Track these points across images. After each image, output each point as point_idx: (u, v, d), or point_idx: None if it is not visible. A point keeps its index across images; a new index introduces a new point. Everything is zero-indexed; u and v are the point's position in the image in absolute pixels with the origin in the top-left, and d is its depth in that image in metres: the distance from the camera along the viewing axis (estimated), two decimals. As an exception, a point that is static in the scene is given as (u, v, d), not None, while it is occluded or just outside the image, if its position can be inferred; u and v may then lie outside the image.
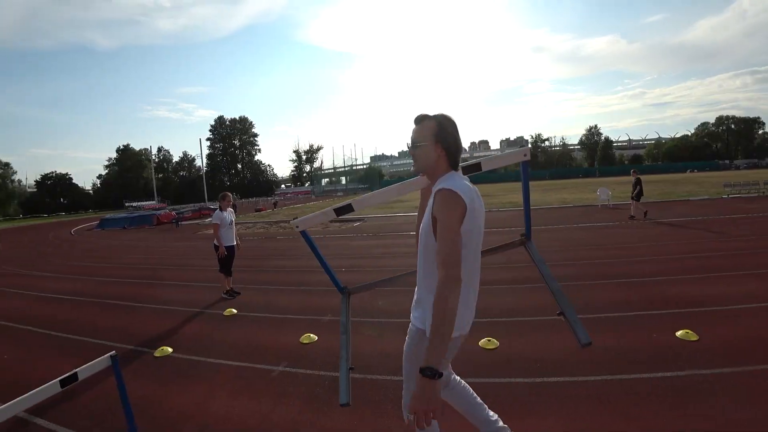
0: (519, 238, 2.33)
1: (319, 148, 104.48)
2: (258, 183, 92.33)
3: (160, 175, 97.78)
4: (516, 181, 38.65)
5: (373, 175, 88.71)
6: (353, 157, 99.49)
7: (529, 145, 55.20)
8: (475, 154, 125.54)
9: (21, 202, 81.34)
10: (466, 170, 1.87)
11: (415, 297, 1.75)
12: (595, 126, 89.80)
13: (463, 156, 1.66)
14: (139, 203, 56.17)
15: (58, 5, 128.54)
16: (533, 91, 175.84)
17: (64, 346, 4.66)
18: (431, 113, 1.66)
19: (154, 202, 59.07)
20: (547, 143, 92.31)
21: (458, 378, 1.99)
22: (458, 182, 1.54)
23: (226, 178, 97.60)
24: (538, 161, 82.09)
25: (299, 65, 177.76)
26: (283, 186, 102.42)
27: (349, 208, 2.08)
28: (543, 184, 44.26)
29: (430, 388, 1.30)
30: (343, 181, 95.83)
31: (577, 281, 5.63)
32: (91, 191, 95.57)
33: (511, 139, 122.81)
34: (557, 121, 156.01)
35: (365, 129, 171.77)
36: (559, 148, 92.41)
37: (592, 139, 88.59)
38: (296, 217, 2.22)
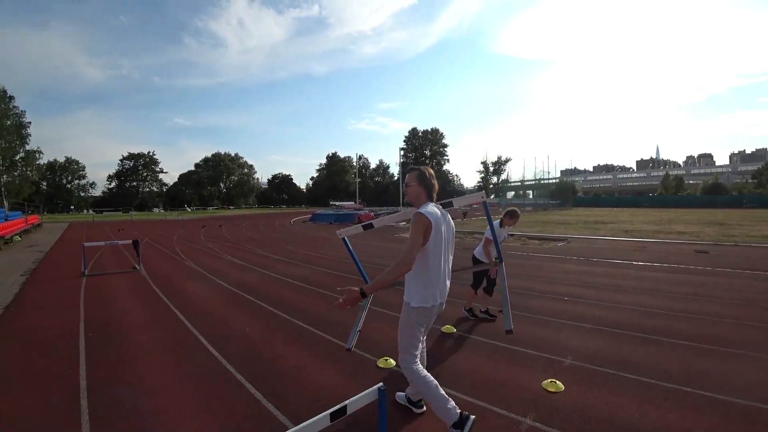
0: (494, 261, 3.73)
1: (507, 160, 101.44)
2: (445, 192, 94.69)
3: (359, 180, 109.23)
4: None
5: (565, 190, 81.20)
6: (545, 170, 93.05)
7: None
8: (693, 171, 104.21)
9: (257, 194, 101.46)
10: (444, 204, 2.94)
11: (405, 284, 2.72)
12: None
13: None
14: (341, 203, 63.88)
15: (291, 45, 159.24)
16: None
17: (293, 334, 4.91)
18: (417, 167, 2.75)
19: (353, 202, 66.40)
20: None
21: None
22: (428, 208, 2.58)
23: (402, 186, 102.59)
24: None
25: (489, 75, 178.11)
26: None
27: (370, 226, 3.47)
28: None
29: (355, 297, 2.39)
30: (531, 195, 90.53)
31: None
32: (304, 189, 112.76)
33: (747, 152, 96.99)
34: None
35: (558, 140, 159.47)
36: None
37: None
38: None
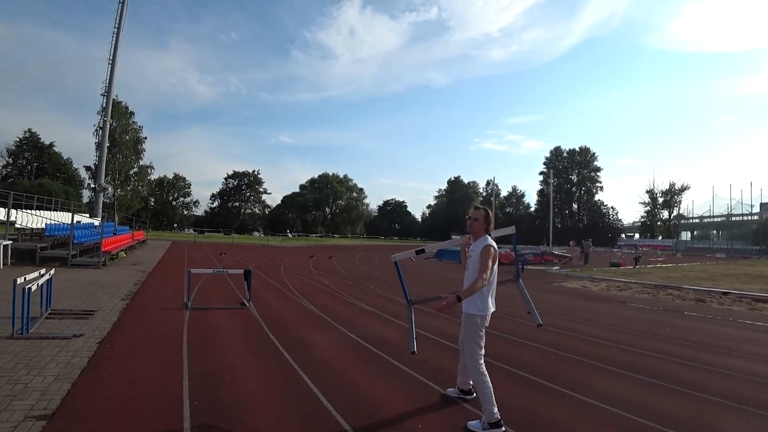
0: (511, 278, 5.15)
1: (683, 188, 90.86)
2: (596, 228, 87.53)
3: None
4: None
5: None
6: (743, 201, 79.97)
7: None
8: None
9: (366, 223, 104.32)
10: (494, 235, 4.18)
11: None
12: None
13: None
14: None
15: (406, 53, 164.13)
16: None
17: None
18: (483, 206, 4.16)
19: (508, 232, 63.84)
20: None
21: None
22: (491, 241, 3.92)
23: (558, 220, 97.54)
24: None
25: (655, 79, 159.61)
26: (623, 236, 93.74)
27: (422, 251, 5.15)
28: None
29: (453, 302, 3.66)
30: (715, 235, 78.41)
31: None
32: (419, 219, 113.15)
33: None
34: None
35: (765, 161, 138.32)
36: None
37: None
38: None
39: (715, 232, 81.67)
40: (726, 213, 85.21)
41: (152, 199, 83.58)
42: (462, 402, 4.38)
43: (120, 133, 47.43)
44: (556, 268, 25.72)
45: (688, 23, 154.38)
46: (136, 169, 51.08)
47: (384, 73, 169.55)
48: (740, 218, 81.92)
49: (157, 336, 6.42)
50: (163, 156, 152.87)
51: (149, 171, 53.70)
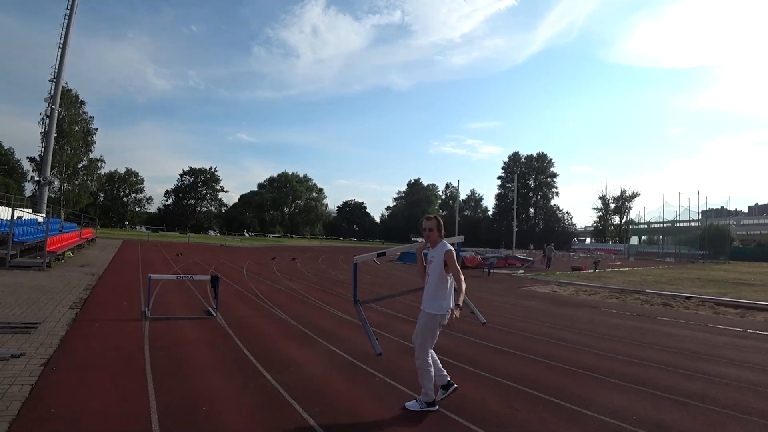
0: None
1: (634, 195, 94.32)
2: (552, 232, 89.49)
3: (444, 212, 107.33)
4: None
5: (717, 238, 71.42)
6: (693, 209, 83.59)
7: None
8: None
9: (325, 223, 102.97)
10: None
11: (429, 298, 4.24)
12: None
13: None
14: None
15: (369, 55, 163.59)
16: None
17: None
18: (434, 215, 4.42)
19: (456, 242, 64.06)
20: None
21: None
22: (449, 244, 4.27)
23: (515, 223, 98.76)
24: None
25: (608, 90, 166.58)
26: (575, 240, 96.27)
27: (383, 254, 5.52)
28: None
29: (456, 314, 3.99)
30: (662, 241, 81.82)
31: None
32: (378, 221, 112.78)
33: None
34: None
35: (710, 172, 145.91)
36: None
37: None
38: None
39: (662, 237, 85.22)
40: (673, 220, 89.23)
41: (102, 195, 79.51)
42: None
43: (69, 124, 44.56)
44: (521, 272, 25.71)
45: (642, 40, 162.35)
46: (85, 162, 48.11)
47: (346, 73, 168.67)
48: (687, 224, 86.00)
49: (115, 355, 5.53)
50: (114, 150, 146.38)
51: (99, 165, 50.76)
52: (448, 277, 4.19)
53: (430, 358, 4.23)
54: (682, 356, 6.97)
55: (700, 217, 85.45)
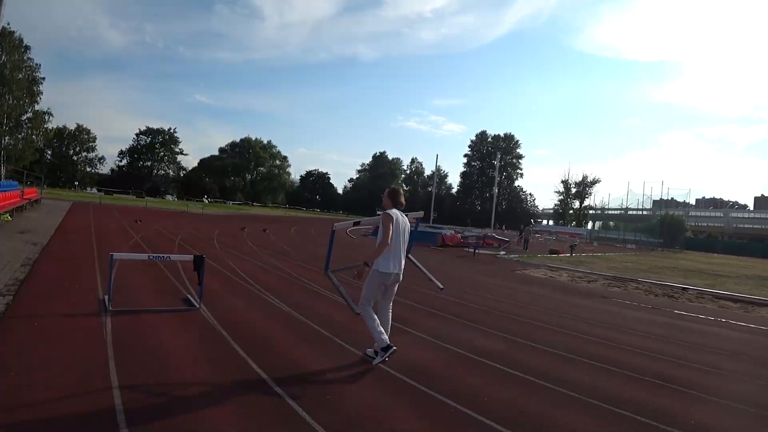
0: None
1: (594, 181, 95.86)
2: (514, 213, 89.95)
3: (409, 188, 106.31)
4: None
5: (672, 228, 73.68)
6: (641, 197, 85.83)
7: None
8: None
9: (287, 192, 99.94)
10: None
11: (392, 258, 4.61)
12: None
13: None
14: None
15: (337, 23, 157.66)
16: None
17: None
18: (391, 186, 5.16)
19: (415, 216, 62.93)
20: None
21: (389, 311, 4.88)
22: (393, 210, 4.67)
23: (478, 202, 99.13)
24: None
25: (573, 77, 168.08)
26: (543, 221, 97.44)
27: (359, 223, 6.49)
28: None
29: (363, 269, 4.52)
30: (618, 227, 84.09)
31: None
32: (341, 192, 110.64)
33: None
34: None
35: (656, 163, 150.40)
36: None
37: None
38: None
39: (613, 223, 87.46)
40: (625, 207, 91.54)
41: (49, 152, 73.54)
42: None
43: (11, 70, 39.88)
44: (502, 252, 24.66)
45: (607, 30, 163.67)
46: (30, 114, 43.22)
47: (312, 40, 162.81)
48: (637, 212, 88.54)
49: (68, 373, 3.69)
50: (63, 105, 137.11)
51: (46, 118, 45.54)
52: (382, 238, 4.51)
53: (370, 309, 4.65)
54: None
55: (651, 206, 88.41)
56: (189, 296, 6.79)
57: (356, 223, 6.13)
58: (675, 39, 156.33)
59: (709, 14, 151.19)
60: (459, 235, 26.63)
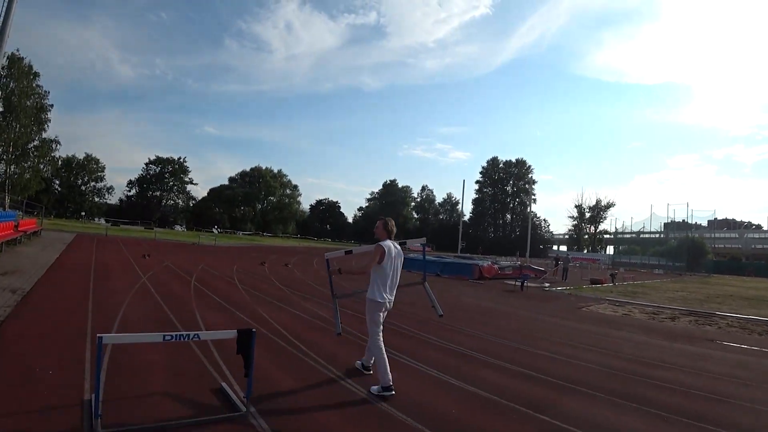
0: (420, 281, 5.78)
1: (608, 205, 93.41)
2: (533, 240, 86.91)
3: (419, 216, 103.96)
4: None
5: (694, 251, 70.64)
6: (677, 219, 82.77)
7: None
8: None
9: (297, 222, 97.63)
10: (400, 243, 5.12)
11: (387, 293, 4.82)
12: None
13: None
14: (406, 241, 57.97)
15: (342, 54, 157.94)
16: None
17: None
18: (383, 217, 5.12)
19: (419, 243, 60.36)
20: None
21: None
22: (385, 242, 4.85)
23: (491, 229, 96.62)
24: None
25: (574, 102, 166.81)
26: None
27: (350, 252, 6.04)
28: None
29: (335, 270, 5.38)
30: (640, 251, 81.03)
31: None
32: (351, 221, 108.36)
33: None
34: None
35: (670, 187, 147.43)
36: None
37: None
38: None
39: (629, 247, 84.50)
40: (645, 231, 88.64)
41: (57, 182, 71.81)
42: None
43: (19, 97, 38.13)
44: (547, 285, 22.10)
45: (608, 55, 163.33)
46: (37, 143, 41.08)
47: (318, 71, 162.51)
48: (654, 236, 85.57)
49: None
50: (73, 138, 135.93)
51: (54, 146, 43.50)
52: (374, 268, 4.78)
53: (380, 342, 4.70)
54: None
55: (662, 229, 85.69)
56: (224, 385, 4.33)
57: (347, 252, 5.99)
58: (679, 62, 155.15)
59: (710, 37, 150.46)
60: (496, 266, 24.04)
